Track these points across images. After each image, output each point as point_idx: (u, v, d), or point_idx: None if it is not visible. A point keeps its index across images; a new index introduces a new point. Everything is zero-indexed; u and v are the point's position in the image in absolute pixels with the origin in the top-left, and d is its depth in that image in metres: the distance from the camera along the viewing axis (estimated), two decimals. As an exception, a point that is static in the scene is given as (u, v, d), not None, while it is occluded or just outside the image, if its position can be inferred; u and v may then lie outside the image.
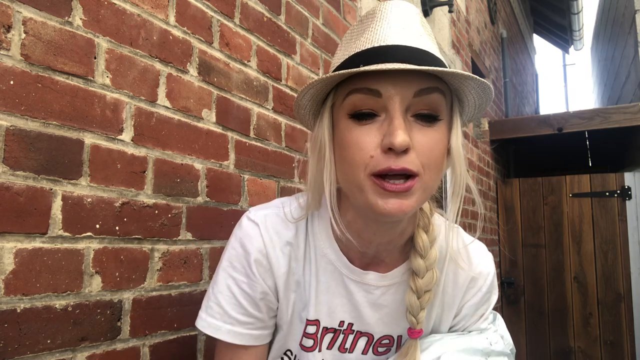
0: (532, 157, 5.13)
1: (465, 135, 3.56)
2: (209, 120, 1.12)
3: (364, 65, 0.62)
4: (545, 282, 4.16)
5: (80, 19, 0.85)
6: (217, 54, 1.16)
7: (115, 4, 0.91)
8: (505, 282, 4.24)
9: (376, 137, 0.63)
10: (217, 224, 1.13)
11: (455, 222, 0.73)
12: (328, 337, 0.79)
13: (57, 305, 0.79)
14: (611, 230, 3.94)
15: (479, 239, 0.82)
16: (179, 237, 1.03)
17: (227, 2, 1.20)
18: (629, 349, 3.81)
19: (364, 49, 0.66)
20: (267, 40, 1.33)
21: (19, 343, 0.73)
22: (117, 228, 0.89)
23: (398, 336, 0.81)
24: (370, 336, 0.80)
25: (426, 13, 2.86)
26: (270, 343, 0.85)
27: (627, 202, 3.90)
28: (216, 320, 0.78)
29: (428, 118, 0.65)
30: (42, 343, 0.76)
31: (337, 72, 0.63)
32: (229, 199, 1.17)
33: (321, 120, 0.70)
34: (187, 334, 1.04)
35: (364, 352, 0.81)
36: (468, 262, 0.81)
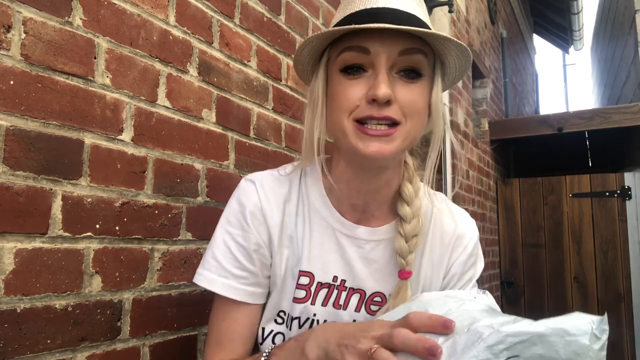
0: (532, 157, 5.13)
1: (466, 135, 3.56)
2: (209, 120, 1.12)
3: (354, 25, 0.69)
4: (545, 282, 4.16)
5: (80, 19, 0.85)
6: (217, 54, 1.16)
7: (115, 4, 0.91)
8: (505, 282, 4.24)
9: (362, 90, 0.70)
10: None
11: (434, 171, 0.79)
12: (323, 293, 0.81)
13: (57, 305, 0.79)
14: (611, 230, 3.94)
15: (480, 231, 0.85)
16: (179, 237, 1.03)
17: (227, 2, 1.20)
18: (629, 349, 3.81)
19: (357, 10, 0.72)
20: (267, 40, 1.33)
21: (19, 343, 0.73)
22: (117, 228, 0.89)
23: (390, 294, 0.83)
24: (362, 292, 0.82)
25: (426, 13, 2.86)
26: (265, 307, 0.86)
27: (627, 202, 3.90)
28: (211, 273, 0.81)
29: (410, 75, 0.72)
30: (42, 343, 0.76)
31: (330, 29, 0.70)
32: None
33: (317, 75, 0.76)
34: (187, 334, 1.04)
35: (357, 309, 0.82)
36: (453, 220, 0.87)
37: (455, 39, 0.71)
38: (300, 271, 0.81)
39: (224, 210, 0.85)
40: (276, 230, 0.82)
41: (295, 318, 0.81)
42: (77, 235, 0.83)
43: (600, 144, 4.76)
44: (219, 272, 0.81)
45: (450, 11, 3.03)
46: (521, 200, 4.32)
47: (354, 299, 0.82)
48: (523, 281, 4.23)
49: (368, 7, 0.71)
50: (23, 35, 0.76)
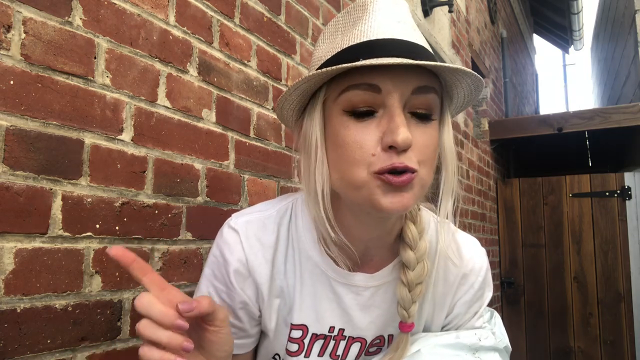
0: (532, 157, 5.13)
1: (466, 135, 3.56)
2: (209, 120, 1.12)
3: (362, 59, 0.59)
4: (545, 282, 4.16)
5: (80, 19, 0.85)
6: (217, 54, 1.16)
7: (115, 4, 0.91)
8: (505, 282, 4.24)
9: (375, 135, 0.61)
10: (217, 224, 1.13)
11: (448, 220, 0.71)
12: (318, 344, 0.77)
13: (57, 305, 0.79)
14: (611, 230, 3.94)
15: (477, 236, 0.83)
16: (179, 237, 1.03)
17: (227, 2, 1.20)
18: (629, 349, 3.81)
19: (359, 41, 0.62)
20: (267, 40, 1.33)
21: (19, 343, 0.73)
22: (117, 228, 0.89)
23: (389, 335, 0.79)
24: (363, 341, 0.78)
25: (426, 13, 2.86)
26: (257, 348, 0.83)
27: (627, 202, 3.90)
28: None
29: (423, 117, 0.63)
30: (42, 343, 0.76)
31: (337, 67, 0.59)
32: (229, 199, 1.17)
33: (311, 116, 0.66)
34: (187, 334, 1.04)
35: (357, 357, 0.79)
36: (459, 257, 0.78)
37: (476, 74, 0.64)
38: (292, 324, 0.76)
39: (208, 256, 0.79)
40: (265, 283, 0.75)
41: None
42: (77, 235, 0.83)
43: (600, 144, 4.76)
44: None
45: (450, 11, 3.03)
46: (521, 200, 4.32)
47: (355, 348, 0.78)
48: (523, 281, 4.23)
49: (372, 38, 0.62)
50: (23, 35, 0.76)
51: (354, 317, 0.76)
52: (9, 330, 0.72)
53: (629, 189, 3.90)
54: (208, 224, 1.10)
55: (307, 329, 0.76)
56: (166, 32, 1.02)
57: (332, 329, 0.76)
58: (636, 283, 3.82)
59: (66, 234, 0.81)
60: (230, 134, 1.18)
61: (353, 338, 0.77)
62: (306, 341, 0.77)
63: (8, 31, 0.74)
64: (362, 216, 0.69)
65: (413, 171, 0.61)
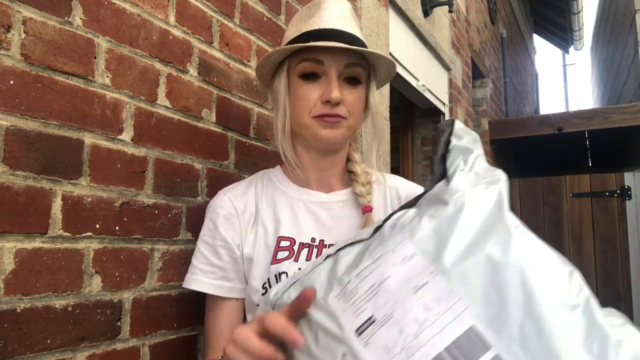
0: (532, 157, 5.14)
1: (465, 135, 3.56)
2: (209, 120, 1.12)
3: (314, 42, 0.88)
4: (545, 282, 4.15)
5: (80, 18, 0.85)
6: (217, 54, 1.16)
7: (115, 4, 0.91)
8: (505, 282, 4.24)
9: (318, 92, 0.89)
10: (217, 224, 1.13)
11: (376, 162, 0.99)
12: (305, 252, 0.92)
13: (57, 305, 0.79)
14: (611, 230, 3.94)
15: None
16: (179, 237, 1.03)
17: (227, 2, 1.20)
18: (629, 349, 3.80)
19: (313, 29, 0.91)
20: (267, 40, 1.33)
21: (19, 343, 0.73)
22: (117, 228, 0.89)
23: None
24: None
25: (426, 13, 2.86)
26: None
27: (627, 202, 3.90)
28: (188, 274, 0.95)
29: (352, 82, 0.91)
30: (42, 343, 0.76)
31: (297, 45, 0.88)
32: (229, 199, 1.17)
33: (279, 78, 0.93)
34: (187, 334, 1.04)
35: None
36: (405, 183, 1.05)
37: (386, 57, 0.93)
38: (280, 236, 0.92)
39: None
40: (245, 217, 0.94)
41: (282, 272, 0.88)
42: (77, 235, 0.83)
43: (600, 144, 4.76)
44: (192, 270, 0.94)
45: (450, 11, 3.04)
46: (521, 200, 4.32)
47: None
48: (523, 281, 4.23)
49: (322, 27, 0.90)
50: (23, 35, 0.76)
51: (330, 228, 0.95)
52: (9, 330, 0.72)
53: (629, 189, 3.90)
54: (208, 224, 1.10)
55: (294, 240, 0.93)
56: (166, 32, 1.02)
57: (313, 239, 0.93)
58: (636, 283, 3.82)
59: (66, 234, 0.81)
60: (230, 134, 1.18)
61: (332, 244, 0.92)
62: (295, 248, 0.92)
63: (8, 31, 0.74)
64: (311, 151, 0.96)
65: (342, 117, 0.89)
